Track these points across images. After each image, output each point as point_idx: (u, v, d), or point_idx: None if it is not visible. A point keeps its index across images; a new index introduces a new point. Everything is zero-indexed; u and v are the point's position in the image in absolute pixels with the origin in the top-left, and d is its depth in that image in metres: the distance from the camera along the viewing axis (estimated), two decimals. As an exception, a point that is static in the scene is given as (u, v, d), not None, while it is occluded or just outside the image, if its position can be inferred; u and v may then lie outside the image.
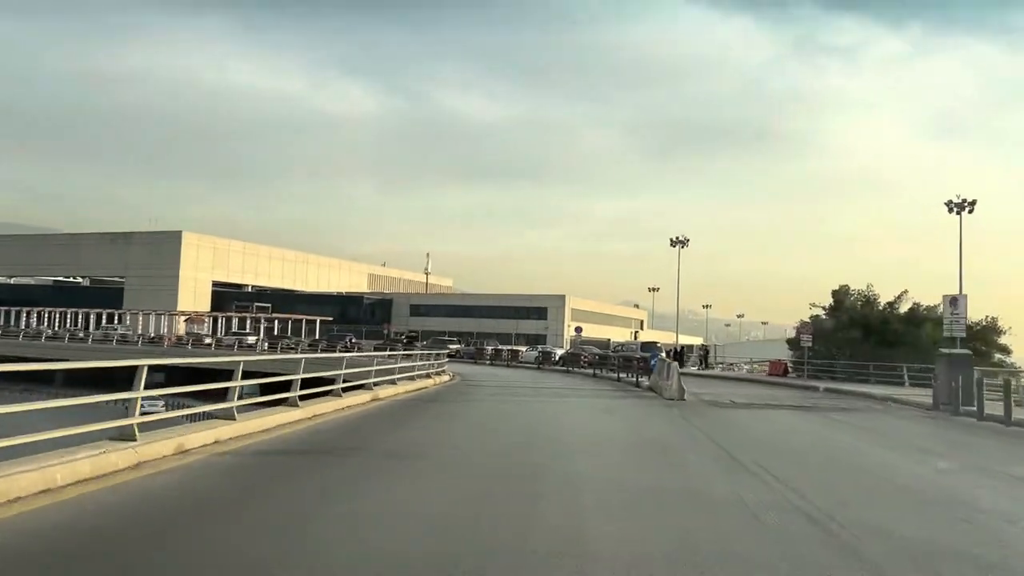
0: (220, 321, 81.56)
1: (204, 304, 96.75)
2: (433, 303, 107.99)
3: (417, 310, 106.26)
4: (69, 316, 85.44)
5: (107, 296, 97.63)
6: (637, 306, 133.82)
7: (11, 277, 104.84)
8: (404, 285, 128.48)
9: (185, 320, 78.96)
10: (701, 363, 46.64)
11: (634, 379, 30.45)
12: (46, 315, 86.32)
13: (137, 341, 63.76)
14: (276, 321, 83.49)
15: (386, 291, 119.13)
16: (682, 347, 49.45)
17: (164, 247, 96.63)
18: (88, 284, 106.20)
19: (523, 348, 54.04)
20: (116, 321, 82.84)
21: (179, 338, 66.70)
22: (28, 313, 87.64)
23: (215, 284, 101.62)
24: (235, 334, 71.92)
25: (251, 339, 65.87)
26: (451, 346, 60.18)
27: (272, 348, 59.51)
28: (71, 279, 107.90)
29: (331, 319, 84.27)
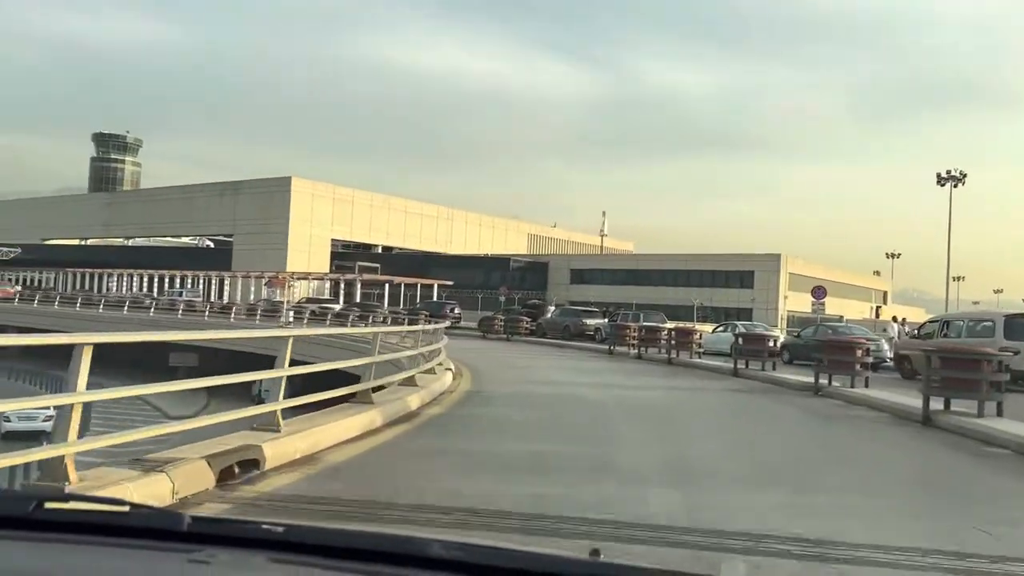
0: (311, 285, 63.19)
1: (322, 266, 79.76)
2: (598, 267, 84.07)
3: (579, 276, 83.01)
4: (156, 280, 71.70)
5: (222, 256, 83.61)
6: (877, 273, 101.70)
7: (129, 239, 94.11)
8: (573, 248, 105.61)
9: (265, 284, 61.25)
10: None
11: None
12: (136, 278, 73.32)
13: (176, 310, 45.86)
14: (387, 286, 64.06)
15: (547, 253, 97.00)
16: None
17: (273, 197, 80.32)
18: (203, 244, 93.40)
19: (702, 328, 28.95)
20: (186, 284, 67.21)
21: (226, 306, 48.17)
22: (119, 276, 75.22)
23: (336, 243, 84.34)
24: (311, 300, 52.67)
25: (335, 307, 46.32)
26: (588, 322, 36.71)
27: (330, 318, 39.11)
28: (194, 240, 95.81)
29: (451, 284, 63.22)
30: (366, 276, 60.87)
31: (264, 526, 1.55)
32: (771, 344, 20.10)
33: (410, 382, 12.58)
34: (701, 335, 23.83)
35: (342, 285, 61.29)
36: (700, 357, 23.11)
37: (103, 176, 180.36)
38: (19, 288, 65.90)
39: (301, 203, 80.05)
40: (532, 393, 13.58)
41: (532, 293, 70.08)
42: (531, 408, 11.60)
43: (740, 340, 19.93)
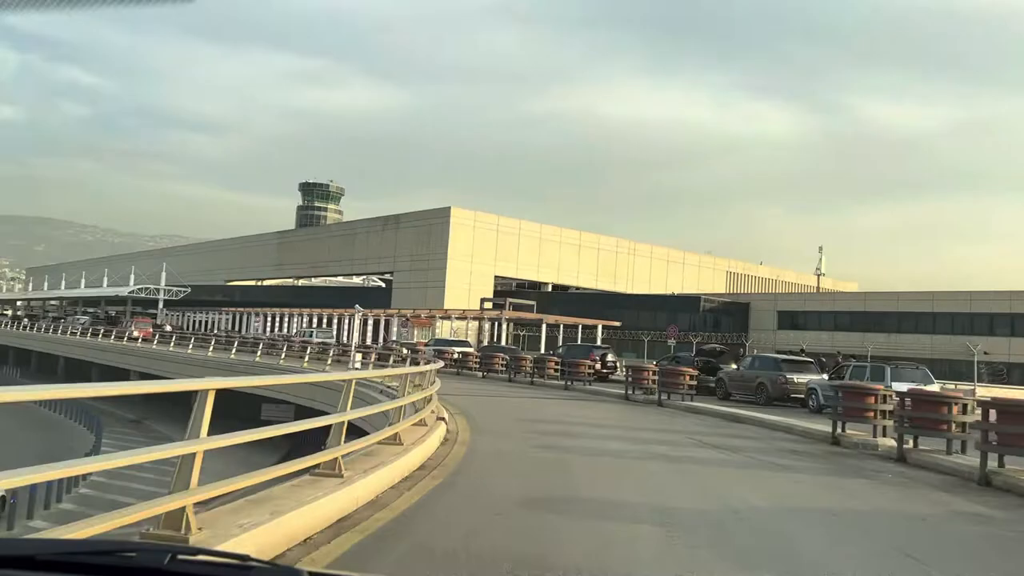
0: (452, 325, 53.73)
1: (488, 305, 70.77)
2: (814, 308, 67.98)
3: (789, 319, 67.51)
4: (305, 319, 66.23)
5: (384, 295, 77.48)
6: None
7: (298, 279, 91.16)
8: (781, 287, 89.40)
9: (402, 324, 52.78)
10: None
11: None
12: (286, 318, 68.56)
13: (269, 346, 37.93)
14: (544, 326, 53.40)
15: (749, 292, 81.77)
16: None
17: (432, 231, 72.94)
18: (369, 283, 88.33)
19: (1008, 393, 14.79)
20: (319, 323, 60.60)
21: (344, 346, 39.61)
22: (265, 316, 70.88)
23: (502, 281, 75.19)
24: (438, 343, 42.90)
25: (454, 351, 36.76)
26: (794, 377, 23.72)
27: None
28: (362, 280, 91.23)
29: (617, 325, 51.19)
30: (510, 314, 50.36)
31: None
32: None
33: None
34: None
35: (490, 325, 51.32)
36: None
37: (307, 223, 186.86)
38: (168, 328, 62.61)
39: (461, 236, 71.86)
40: None
41: (728, 337, 56.07)
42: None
43: None
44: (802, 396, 23.10)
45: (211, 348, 37.55)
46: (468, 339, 49.80)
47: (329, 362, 29.02)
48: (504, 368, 31.84)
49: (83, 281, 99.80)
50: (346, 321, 63.28)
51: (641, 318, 63.74)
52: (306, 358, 31.01)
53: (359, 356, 27.72)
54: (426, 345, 43.12)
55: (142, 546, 1.93)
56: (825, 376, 23.33)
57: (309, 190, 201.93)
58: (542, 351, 44.52)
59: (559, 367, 29.11)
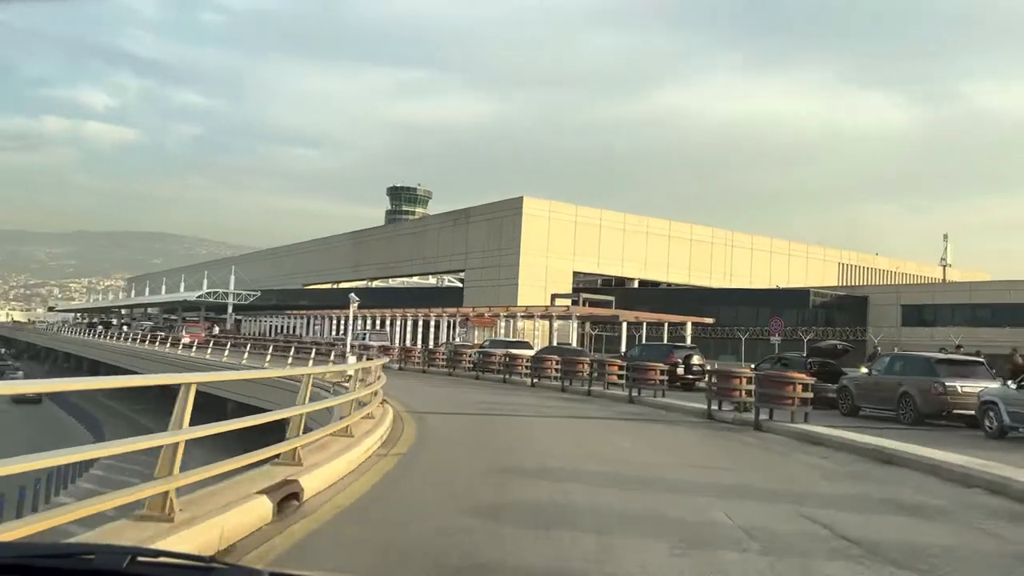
0: (518, 324, 47.32)
1: (561, 303, 64.14)
2: (947, 301, 58.11)
3: (915, 314, 57.98)
4: (368, 321, 61.40)
5: (456, 295, 72.14)
6: None
7: (372, 280, 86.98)
8: (900, 280, 78.92)
9: (460, 324, 46.96)
10: None
11: None
12: (342, 320, 63.80)
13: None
14: (624, 323, 46.60)
15: (866, 285, 71.85)
16: None
17: (504, 224, 66.89)
18: (443, 283, 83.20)
19: None
20: (378, 325, 55.54)
21: (359, 348, 34.30)
22: (338, 319, 66.41)
23: (580, 276, 68.36)
24: (494, 344, 36.70)
25: (514, 352, 30.58)
26: (958, 385, 16.24)
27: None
28: (436, 280, 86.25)
29: (710, 322, 43.52)
30: (581, 311, 43.63)
31: None
32: None
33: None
34: None
35: (565, 324, 44.78)
36: None
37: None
38: (216, 330, 59.22)
39: (535, 228, 65.52)
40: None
41: (846, 334, 47.37)
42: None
43: None
44: (971, 413, 15.72)
45: (226, 352, 32.75)
46: (536, 340, 43.48)
47: (331, 364, 23.44)
48: (558, 375, 25.26)
49: (163, 288, 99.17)
50: (441, 323, 57.84)
51: (740, 315, 55.81)
52: (310, 362, 25.65)
53: (353, 358, 22.08)
54: (480, 347, 37.16)
55: (101, 548, 1.84)
56: (1010, 384, 15.77)
57: (397, 194, 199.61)
58: (622, 352, 37.78)
59: (622, 373, 22.35)
